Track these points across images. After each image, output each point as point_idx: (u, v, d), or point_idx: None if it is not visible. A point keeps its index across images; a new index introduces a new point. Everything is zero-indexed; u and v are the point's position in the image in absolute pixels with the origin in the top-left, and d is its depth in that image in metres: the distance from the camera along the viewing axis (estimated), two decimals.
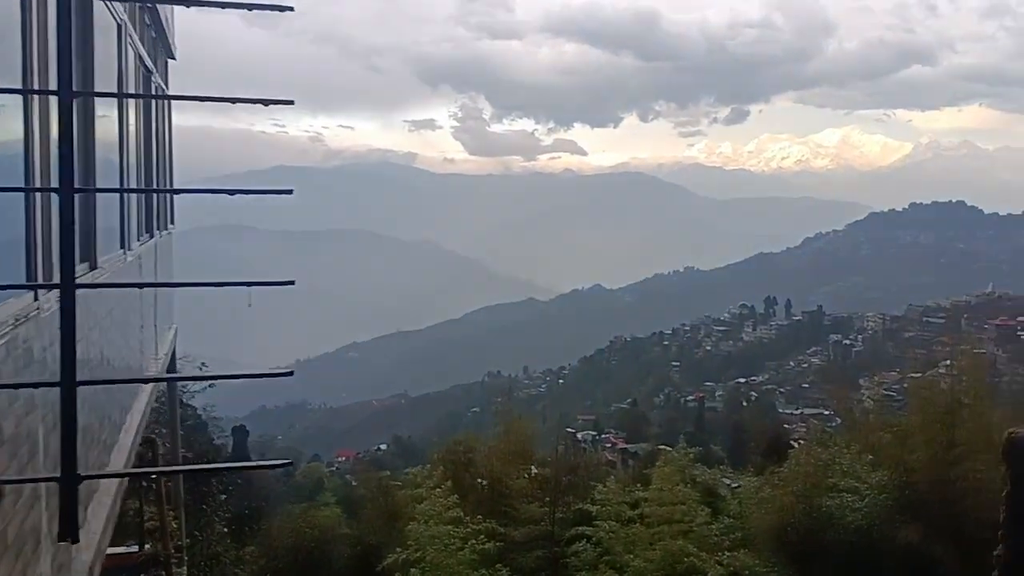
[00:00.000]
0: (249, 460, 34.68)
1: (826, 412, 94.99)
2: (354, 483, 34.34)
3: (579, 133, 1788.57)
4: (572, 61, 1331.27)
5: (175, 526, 11.65)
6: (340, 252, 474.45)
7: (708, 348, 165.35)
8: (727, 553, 14.59)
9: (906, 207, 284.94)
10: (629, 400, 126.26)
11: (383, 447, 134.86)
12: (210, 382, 23.34)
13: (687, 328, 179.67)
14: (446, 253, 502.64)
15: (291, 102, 2.35)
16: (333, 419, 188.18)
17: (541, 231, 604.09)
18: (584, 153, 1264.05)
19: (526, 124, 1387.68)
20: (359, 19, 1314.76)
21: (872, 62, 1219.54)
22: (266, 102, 2.34)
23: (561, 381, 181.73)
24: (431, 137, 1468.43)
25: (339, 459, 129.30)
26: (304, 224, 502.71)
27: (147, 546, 10.50)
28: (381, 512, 21.09)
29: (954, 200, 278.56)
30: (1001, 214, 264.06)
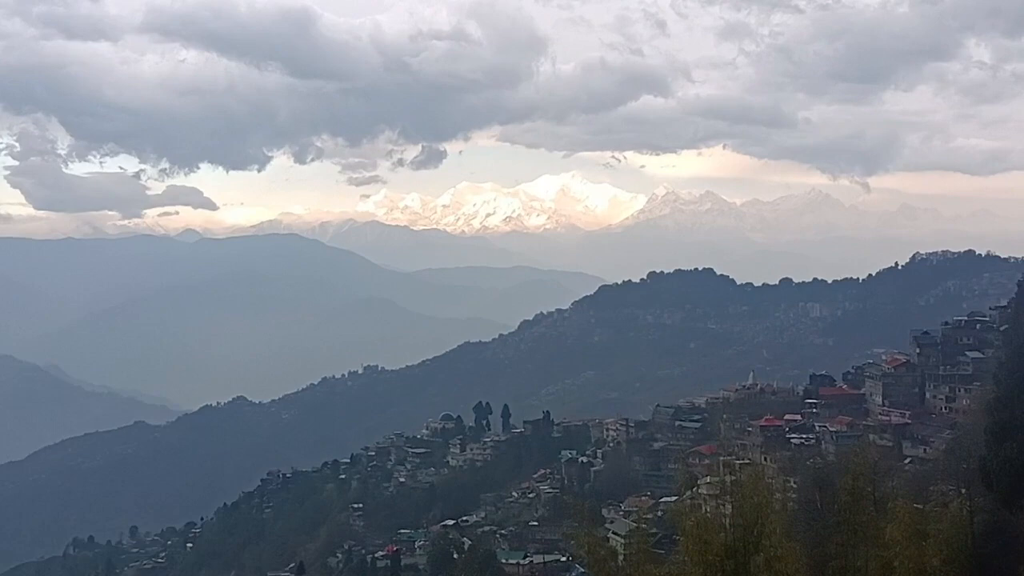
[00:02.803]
0: None
1: (564, 558, 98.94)
2: None
3: (206, 178, 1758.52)
4: (194, 75, 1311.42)
5: None
6: None
7: (402, 480, 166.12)
8: None
9: (644, 278, 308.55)
10: (293, 565, 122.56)
11: None
12: None
13: (372, 453, 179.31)
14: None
15: None
16: None
17: (150, 323, 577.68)
18: (213, 207, 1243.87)
19: (126, 163, 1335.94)
20: None
21: (594, 90, 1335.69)
22: None
23: (190, 545, 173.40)
24: None
25: None
26: None
27: None
28: None
29: (700, 268, 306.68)
30: (755, 285, 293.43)
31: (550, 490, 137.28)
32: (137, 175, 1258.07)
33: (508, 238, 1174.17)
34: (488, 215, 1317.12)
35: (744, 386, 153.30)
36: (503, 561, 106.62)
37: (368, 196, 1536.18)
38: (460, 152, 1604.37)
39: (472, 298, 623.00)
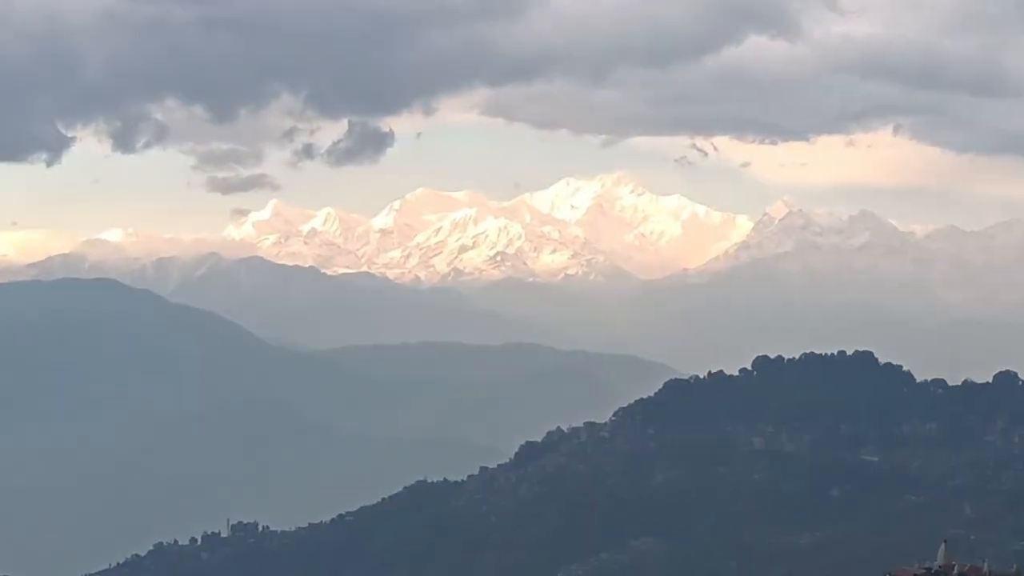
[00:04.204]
0: None
1: None
2: None
3: None
4: None
5: None
6: None
7: None
8: None
9: (747, 368, 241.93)
10: None
11: None
12: None
13: None
14: None
15: None
16: None
17: None
18: None
19: None
20: None
21: (662, 23, 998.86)
22: None
23: None
24: None
25: None
26: None
27: None
28: None
29: (850, 351, 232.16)
30: (951, 383, 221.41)
31: None
32: None
33: (500, 291, 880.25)
34: (465, 249, 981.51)
35: (930, 569, 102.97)
36: None
37: (246, 212, 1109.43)
38: (418, 135, 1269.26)
39: (432, 400, 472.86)
